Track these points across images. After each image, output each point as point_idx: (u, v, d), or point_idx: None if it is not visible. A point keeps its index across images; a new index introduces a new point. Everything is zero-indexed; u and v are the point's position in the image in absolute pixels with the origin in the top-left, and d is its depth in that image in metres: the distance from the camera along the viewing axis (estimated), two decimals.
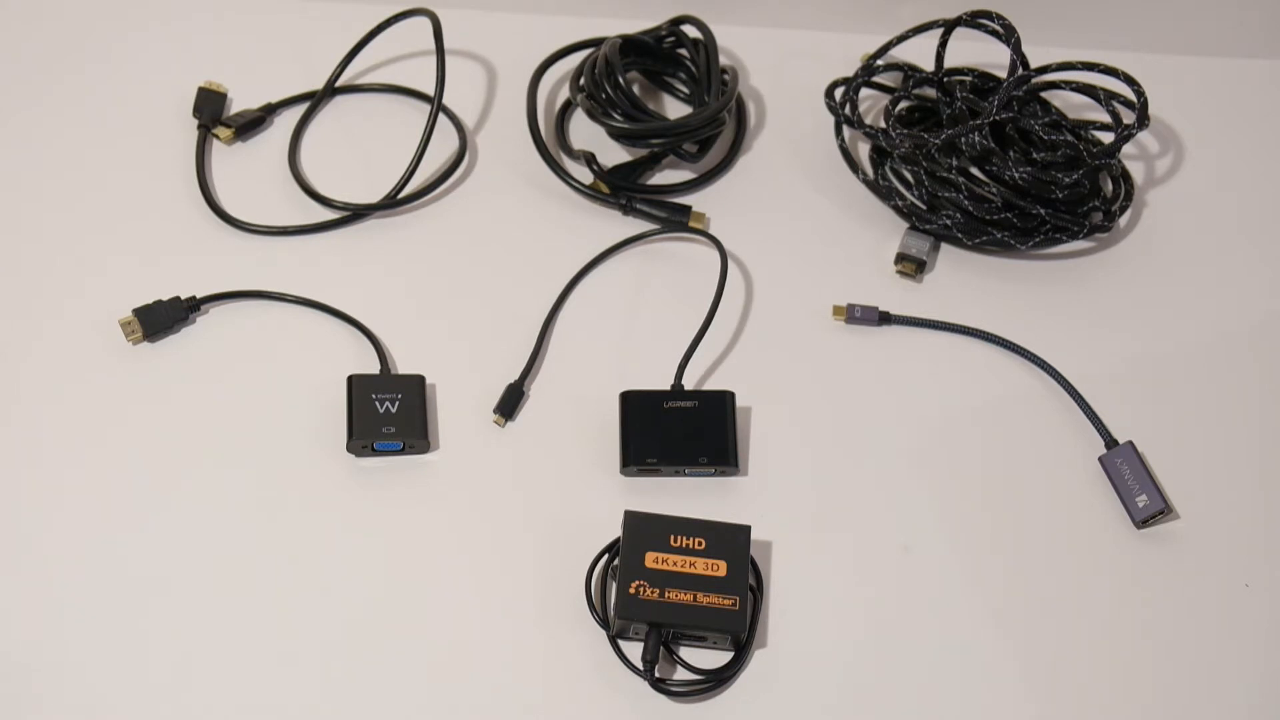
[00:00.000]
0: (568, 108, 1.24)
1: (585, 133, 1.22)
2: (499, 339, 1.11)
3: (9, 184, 1.16)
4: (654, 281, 1.16)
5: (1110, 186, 1.21)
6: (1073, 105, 1.23)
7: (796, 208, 1.21)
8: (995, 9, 1.16)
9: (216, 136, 1.19)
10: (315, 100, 1.22)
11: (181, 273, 1.11)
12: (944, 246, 1.19)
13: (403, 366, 1.09)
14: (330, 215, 1.16)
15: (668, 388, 1.07)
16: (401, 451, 1.05)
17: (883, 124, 1.21)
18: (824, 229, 1.19)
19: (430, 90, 1.19)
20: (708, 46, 1.22)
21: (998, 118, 1.15)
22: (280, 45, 1.26)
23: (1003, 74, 1.18)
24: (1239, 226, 1.22)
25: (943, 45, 1.20)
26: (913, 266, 1.16)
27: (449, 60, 1.19)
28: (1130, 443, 1.07)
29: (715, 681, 0.97)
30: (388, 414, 1.04)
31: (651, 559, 0.97)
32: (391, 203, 1.17)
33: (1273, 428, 1.11)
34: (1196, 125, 1.28)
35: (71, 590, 0.97)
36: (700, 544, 0.98)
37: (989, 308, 1.15)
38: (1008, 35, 1.15)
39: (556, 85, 1.26)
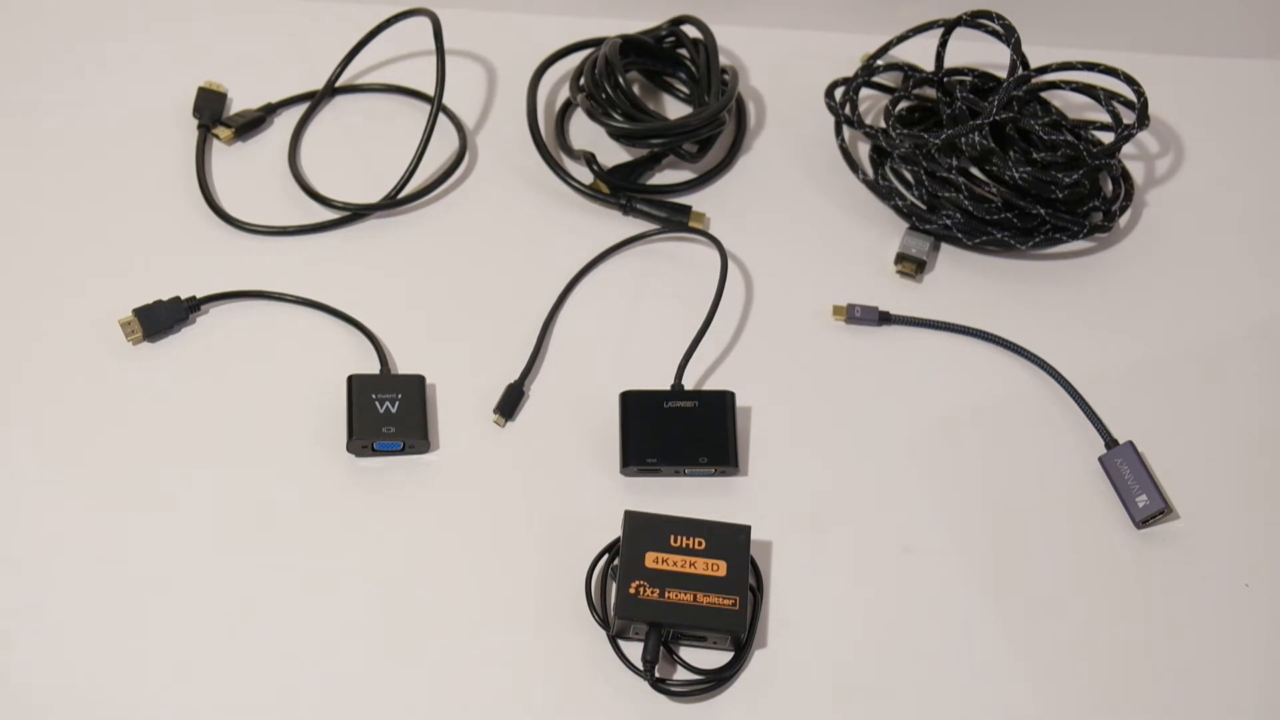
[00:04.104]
0: (568, 108, 1.24)
1: (585, 133, 1.22)
2: (499, 339, 1.11)
3: (9, 184, 1.16)
4: (654, 281, 1.16)
5: (1110, 186, 1.21)
6: (1073, 105, 1.23)
7: (796, 208, 1.21)
8: (995, 9, 1.16)
9: (216, 136, 1.19)
10: (315, 100, 1.22)
11: (181, 273, 1.11)
12: (944, 246, 1.19)
13: (403, 366, 1.09)
14: (330, 215, 1.16)
15: (668, 388, 1.07)
16: (401, 451, 1.05)
17: (883, 124, 1.21)
18: (824, 229, 1.19)
19: (430, 90, 1.19)
20: (708, 46, 1.22)
21: (998, 118, 1.15)
22: (280, 45, 1.26)
23: (1003, 74, 1.18)
24: (1239, 226, 1.22)
25: (943, 45, 1.20)
26: (913, 266, 1.16)
27: (449, 60, 1.19)
28: (1130, 443, 1.07)
29: (715, 681, 0.97)
30: (388, 414, 1.04)
31: (651, 559, 0.97)
32: (391, 203, 1.17)
33: (1273, 428, 1.11)
34: (1196, 125, 1.28)
35: (72, 590, 0.97)
36: (700, 544, 0.98)
37: (989, 308, 1.15)
38: (1008, 35, 1.15)
39: (556, 85, 1.26)
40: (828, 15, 1.30)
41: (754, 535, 0.99)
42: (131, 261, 1.12)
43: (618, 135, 1.18)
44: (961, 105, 1.18)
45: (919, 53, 1.23)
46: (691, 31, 1.24)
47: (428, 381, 1.07)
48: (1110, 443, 1.07)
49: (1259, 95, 1.31)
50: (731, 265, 1.15)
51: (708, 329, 1.10)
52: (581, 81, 1.21)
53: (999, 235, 1.15)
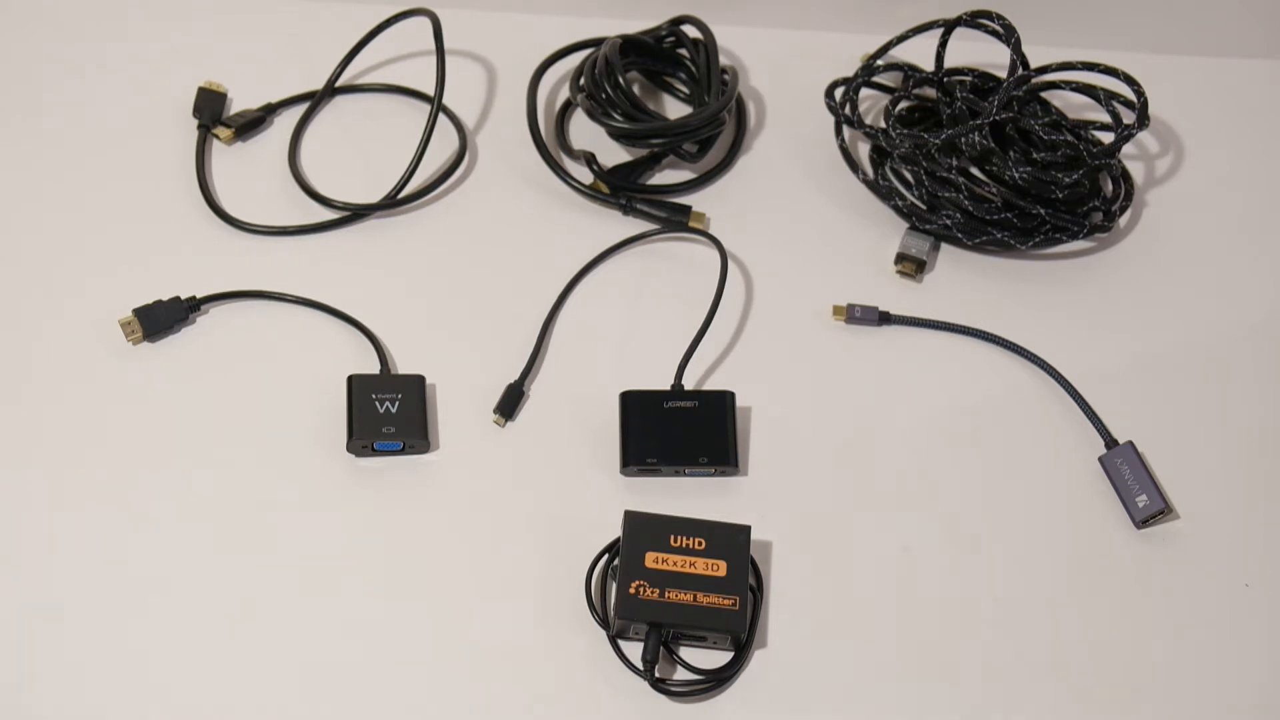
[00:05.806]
0: (568, 108, 1.24)
1: (585, 133, 1.22)
2: (499, 339, 1.11)
3: (9, 184, 1.16)
4: (654, 281, 1.16)
5: (1110, 186, 1.21)
6: (1073, 105, 1.23)
7: (796, 208, 1.21)
8: (995, 9, 1.16)
9: (216, 136, 1.19)
10: (315, 100, 1.22)
11: (181, 273, 1.11)
12: (944, 246, 1.19)
13: (403, 366, 1.09)
14: (330, 215, 1.16)
15: (668, 388, 1.07)
16: (401, 451, 1.05)
17: (883, 124, 1.21)
18: (824, 229, 1.19)
19: (430, 90, 1.19)
20: (708, 46, 1.22)
21: (998, 118, 1.15)
22: (280, 45, 1.26)
23: (1003, 74, 1.18)
24: (1239, 226, 1.22)
25: (943, 45, 1.20)
26: (913, 266, 1.16)
27: (449, 60, 1.19)
28: (1130, 443, 1.07)
29: (715, 681, 0.97)
30: (388, 414, 1.04)
31: (651, 559, 0.97)
32: (391, 203, 1.17)
33: (1273, 428, 1.11)
34: (1196, 125, 1.28)
35: (71, 590, 0.97)
36: (700, 544, 0.98)
37: (989, 308, 1.15)
38: (1008, 35, 1.15)
39: (556, 85, 1.26)
40: (828, 15, 1.30)
41: (754, 535, 0.99)
42: (131, 261, 1.12)
43: (618, 135, 1.18)
44: (961, 105, 1.18)
45: (919, 53, 1.23)
46: (691, 31, 1.24)
47: (428, 381, 1.07)
48: (1110, 443, 1.07)
49: (1259, 95, 1.31)
50: (731, 265, 1.15)
51: (708, 329, 1.10)
52: (581, 81, 1.21)
53: (999, 235, 1.15)
